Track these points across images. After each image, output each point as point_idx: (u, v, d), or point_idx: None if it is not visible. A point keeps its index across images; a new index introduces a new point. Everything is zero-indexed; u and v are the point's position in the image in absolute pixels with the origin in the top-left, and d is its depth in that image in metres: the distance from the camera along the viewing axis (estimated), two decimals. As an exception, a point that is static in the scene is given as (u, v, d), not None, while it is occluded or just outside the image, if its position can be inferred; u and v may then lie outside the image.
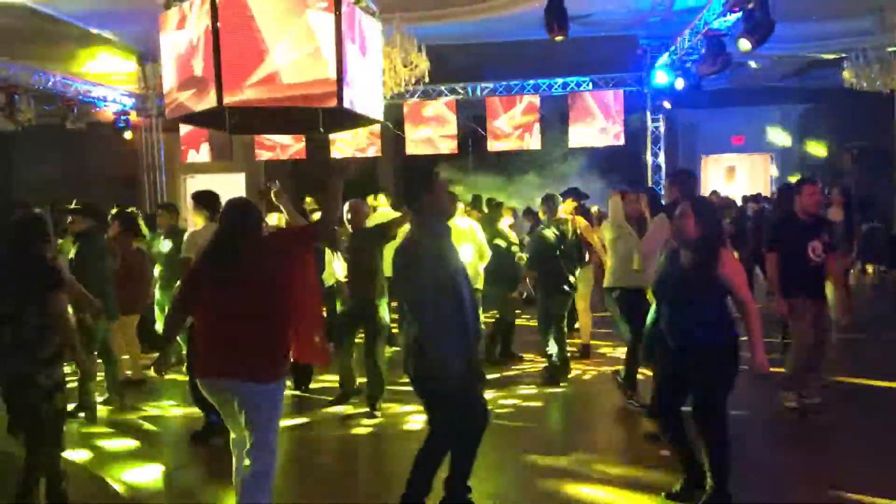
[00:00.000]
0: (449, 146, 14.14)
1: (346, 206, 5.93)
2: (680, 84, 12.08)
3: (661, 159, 13.94)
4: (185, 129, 13.82)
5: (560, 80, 13.77)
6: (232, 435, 3.63)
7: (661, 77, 12.56)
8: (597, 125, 13.57)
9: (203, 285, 3.51)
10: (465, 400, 3.62)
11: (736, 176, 19.74)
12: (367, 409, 5.83)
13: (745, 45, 8.32)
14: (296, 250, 3.61)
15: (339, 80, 6.22)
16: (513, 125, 13.89)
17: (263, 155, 14.85)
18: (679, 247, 3.88)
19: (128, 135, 14.07)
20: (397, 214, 6.68)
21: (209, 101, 6.24)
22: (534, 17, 9.83)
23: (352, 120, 7.60)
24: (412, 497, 3.59)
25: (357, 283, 5.88)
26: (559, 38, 8.78)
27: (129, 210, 7.25)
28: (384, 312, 5.88)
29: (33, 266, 3.91)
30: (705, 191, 17.82)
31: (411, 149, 14.28)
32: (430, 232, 3.61)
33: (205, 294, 3.49)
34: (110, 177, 16.26)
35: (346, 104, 6.32)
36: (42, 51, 11.65)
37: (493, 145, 14.08)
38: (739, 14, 8.46)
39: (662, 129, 14.06)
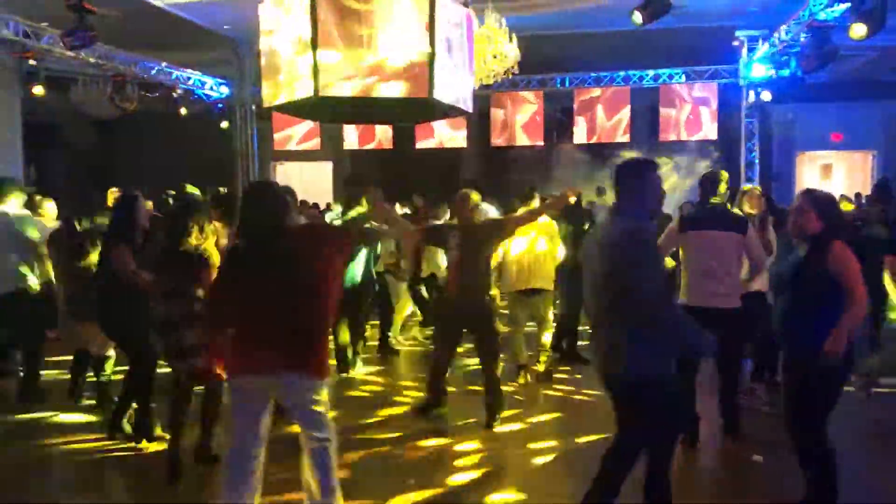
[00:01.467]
0: (535, 137, 14.05)
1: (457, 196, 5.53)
2: (778, 77, 11.64)
3: (756, 155, 13.47)
4: (277, 116, 14.18)
5: (651, 72, 13.46)
6: (232, 447, 3.42)
7: (758, 70, 12.12)
8: (688, 118, 13.21)
9: (235, 279, 3.38)
10: (674, 401, 3.45)
11: (833, 174, 18.85)
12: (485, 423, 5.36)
13: (859, 31, 7.92)
14: (333, 254, 3.44)
15: (431, 71, 6.26)
16: (601, 117, 13.67)
17: (350, 143, 15.12)
18: (797, 242, 3.74)
19: (224, 123, 14.54)
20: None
21: (305, 91, 6.38)
22: (625, 6, 9.63)
23: (440, 111, 7.65)
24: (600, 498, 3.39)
25: (466, 284, 5.29)
26: (640, 21, 8.60)
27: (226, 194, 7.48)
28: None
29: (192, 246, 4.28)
30: (800, 189, 17.10)
31: (497, 140, 14.26)
32: (646, 224, 3.39)
33: (237, 289, 3.36)
34: (205, 163, 16.85)
35: (436, 95, 6.35)
36: (145, 40, 12.17)
37: (579, 136, 13.91)
38: (848, 4, 8.08)
39: (757, 124, 13.58)
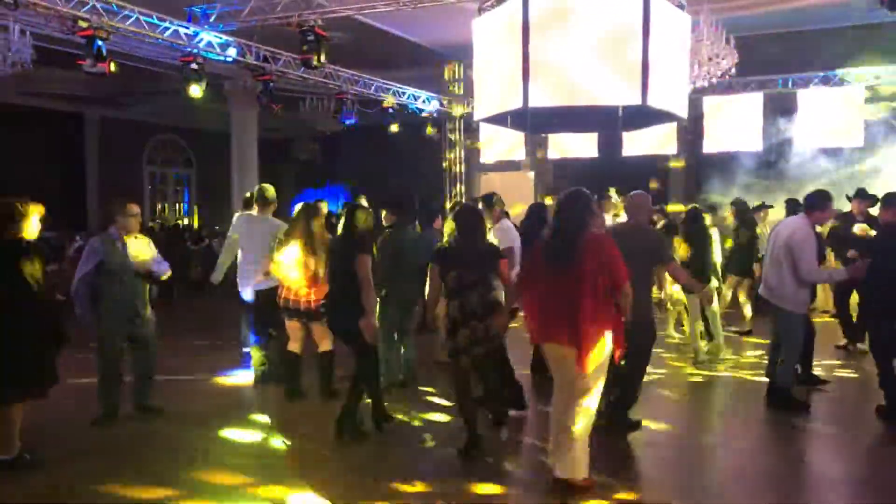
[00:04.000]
0: (752, 144, 13.23)
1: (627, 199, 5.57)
2: None
3: None
4: (484, 128, 14.53)
5: (893, 68, 12.11)
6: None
7: None
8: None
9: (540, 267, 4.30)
10: None
11: None
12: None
13: None
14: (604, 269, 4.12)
15: (645, 77, 6.10)
16: (829, 119, 12.60)
17: (554, 153, 15.15)
18: None
19: (435, 135, 15.17)
20: None
21: (515, 103, 6.48)
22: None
23: (653, 117, 7.43)
24: None
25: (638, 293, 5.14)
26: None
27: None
28: None
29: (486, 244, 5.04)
30: None
31: (709, 147, 13.61)
32: None
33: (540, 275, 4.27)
34: (416, 173, 17.70)
35: (650, 102, 6.18)
36: (364, 58, 13.01)
37: (802, 141, 12.91)
38: None
39: None
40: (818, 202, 5.91)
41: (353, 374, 5.40)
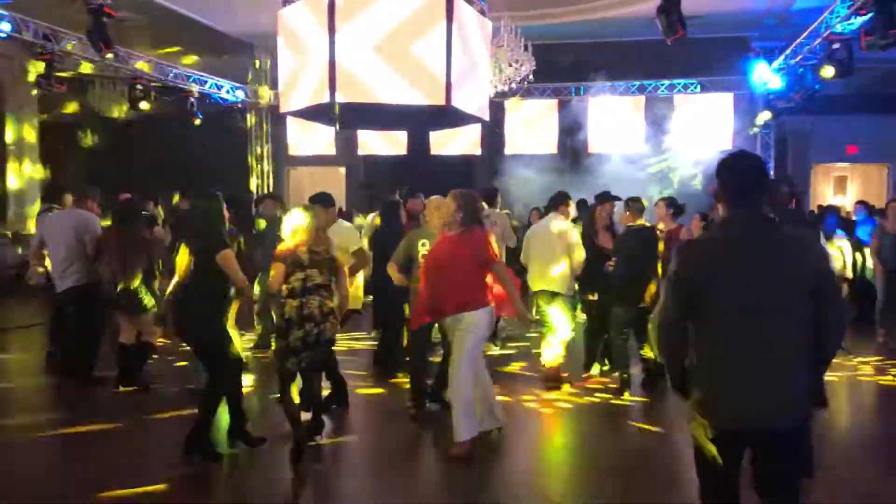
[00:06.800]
0: (548, 146, 14.05)
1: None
2: (793, 88, 11.62)
3: (770, 166, 13.42)
4: (291, 121, 14.25)
5: (666, 82, 13.45)
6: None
7: (774, 81, 12.09)
8: (704, 129, 13.21)
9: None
10: None
11: (847, 187, 18.72)
12: None
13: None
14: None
15: (448, 79, 6.27)
16: (614, 127, 13.69)
17: (364, 149, 15.17)
18: None
19: (241, 125, 14.65)
20: None
21: (321, 97, 6.40)
22: (642, 17, 9.67)
23: (456, 118, 7.65)
24: None
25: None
26: (674, 37, 8.50)
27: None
28: None
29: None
30: (815, 201, 17.03)
31: (510, 148, 14.27)
32: None
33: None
34: (219, 165, 16.95)
35: (453, 103, 6.36)
36: (163, 44, 12.29)
37: (593, 146, 13.91)
38: (866, 16, 8.05)
39: (772, 135, 13.54)
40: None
41: (204, 386, 4.89)
